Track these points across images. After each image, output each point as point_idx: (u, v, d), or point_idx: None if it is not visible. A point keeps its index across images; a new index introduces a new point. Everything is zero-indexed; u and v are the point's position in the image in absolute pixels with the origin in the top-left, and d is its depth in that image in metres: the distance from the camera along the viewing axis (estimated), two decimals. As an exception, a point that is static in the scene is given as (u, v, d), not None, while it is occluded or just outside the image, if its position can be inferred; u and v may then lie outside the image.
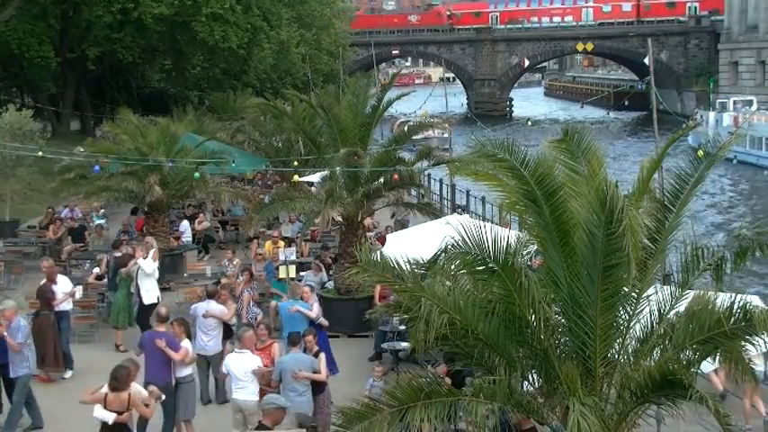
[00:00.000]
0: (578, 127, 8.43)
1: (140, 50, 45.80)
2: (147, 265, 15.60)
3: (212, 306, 13.11)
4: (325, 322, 13.53)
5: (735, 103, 60.61)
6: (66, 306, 14.52)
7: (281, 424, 8.89)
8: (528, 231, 8.08)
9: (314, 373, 10.84)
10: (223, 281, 16.38)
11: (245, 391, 10.63)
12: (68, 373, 14.23)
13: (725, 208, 41.60)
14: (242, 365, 10.71)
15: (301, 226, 20.97)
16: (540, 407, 7.73)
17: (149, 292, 15.65)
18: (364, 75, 25.69)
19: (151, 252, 16.28)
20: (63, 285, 14.47)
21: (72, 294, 14.60)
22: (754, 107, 59.12)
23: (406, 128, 20.06)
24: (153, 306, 15.27)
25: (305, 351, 11.15)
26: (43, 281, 14.31)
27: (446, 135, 47.28)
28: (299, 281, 16.09)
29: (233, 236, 25.94)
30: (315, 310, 13.40)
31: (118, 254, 17.17)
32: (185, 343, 11.32)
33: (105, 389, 9.61)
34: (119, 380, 9.57)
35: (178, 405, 11.18)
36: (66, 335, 14.52)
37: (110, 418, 9.49)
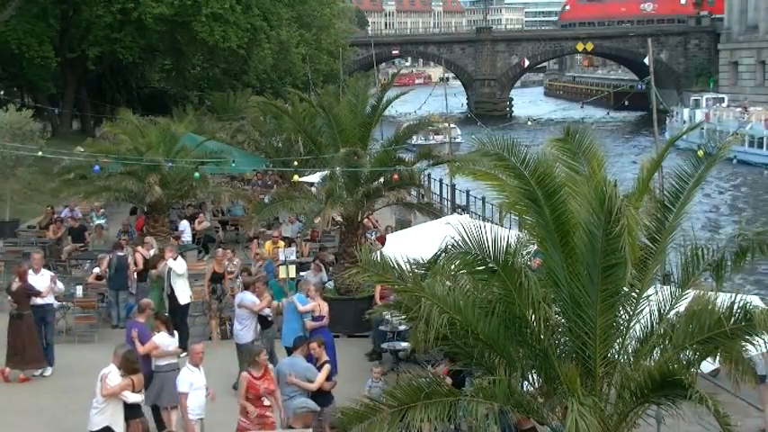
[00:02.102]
0: (579, 127, 8.42)
1: (140, 50, 45.80)
2: (179, 267, 15.48)
3: (245, 297, 13.34)
4: (312, 324, 13.33)
5: (707, 100, 64.92)
6: (50, 300, 14.53)
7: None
8: (528, 231, 8.08)
9: (308, 381, 10.64)
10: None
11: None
12: (49, 371, 14.20)
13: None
14: (179, 381, 10.43)
15: (301, 226, 20.96)
16: (540, 407, 7.73)
17: (183, 292, 15.55)
18: (364, 75, 25.73)
19: (153, 250, 16.29)
20: (46, 279, 14.46)
21: (54, 281, 14.60)
22: (725, 104, 63.62)
23: (406, 128, 20.00)
24: (188, 306, 15.53)
25: (314, 360, 11.10)
26: (17, 283, 14.07)
27: (458, 140, 47.17)
28: (299, 281, 16.10)
29: (233, 236, 25.93)
30: (308, 306, 13.43)
31: (121, 253, 17.29)
32: (158, 336, 11.54)
33: (116, 376, 9.93)
34: (137, 362, 10.19)
35: (157, 393, 11.32)
36: (52, 329, 14.56)
37: (140, 398, 10.16)
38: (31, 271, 14.32)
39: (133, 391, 10.01)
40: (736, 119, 55.63)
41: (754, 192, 47.61)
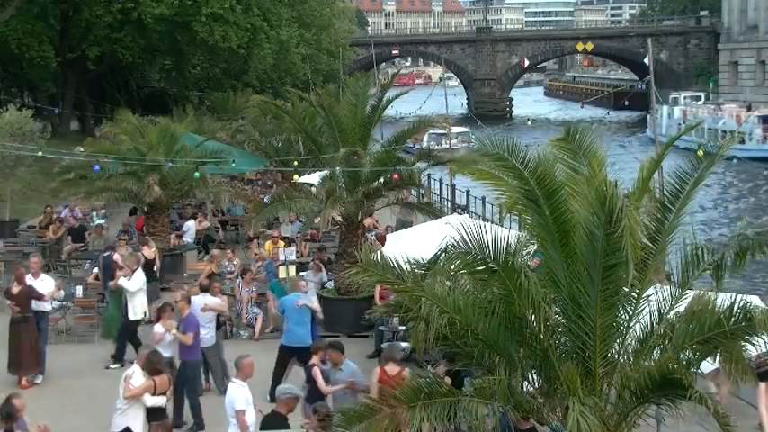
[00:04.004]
0: (580, 126, 8.42)
1: (140, 50, 45.78)
2: (130, 285, 14.70)
3: (209, 299, 13.26)
4: (321, 316, 13.71)
5: (685, 98, 68.90)
6: (47, 306, 14.42)
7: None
8: (528, 231, 8.08)
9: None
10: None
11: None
12: (39, 378, 13.89)
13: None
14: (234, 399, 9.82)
15: (301, 226, 20.97)
16: (540, 407, 7.73)
17: (135, 308, 14.80)
18: (364, 75, 25.68)
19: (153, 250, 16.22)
20: (47, 284, 14.34)
21: (58, 289, 14.55)
22: (701, 102, 68.25)
23: (409, 129, 20.00)
24: (137, 322, 14.75)
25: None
26: (16, 286, 13.82)
27: (472, 144, 46.89)
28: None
29: (233, 236, 25.94)
30: (316, 303, 13.57)
31: (105, 254, 17.26)
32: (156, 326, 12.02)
33: (139, 377, 9.81)
34: (160, 363, 10.00)
35: None
36: (45, 336, 14.36)
37: (163, 401, 9.87)
38: (30, 275, 14.07)
39: (154, 393, 9.78)
40: (710, 115, 59.01)
41: (727, 182, 48.27)
